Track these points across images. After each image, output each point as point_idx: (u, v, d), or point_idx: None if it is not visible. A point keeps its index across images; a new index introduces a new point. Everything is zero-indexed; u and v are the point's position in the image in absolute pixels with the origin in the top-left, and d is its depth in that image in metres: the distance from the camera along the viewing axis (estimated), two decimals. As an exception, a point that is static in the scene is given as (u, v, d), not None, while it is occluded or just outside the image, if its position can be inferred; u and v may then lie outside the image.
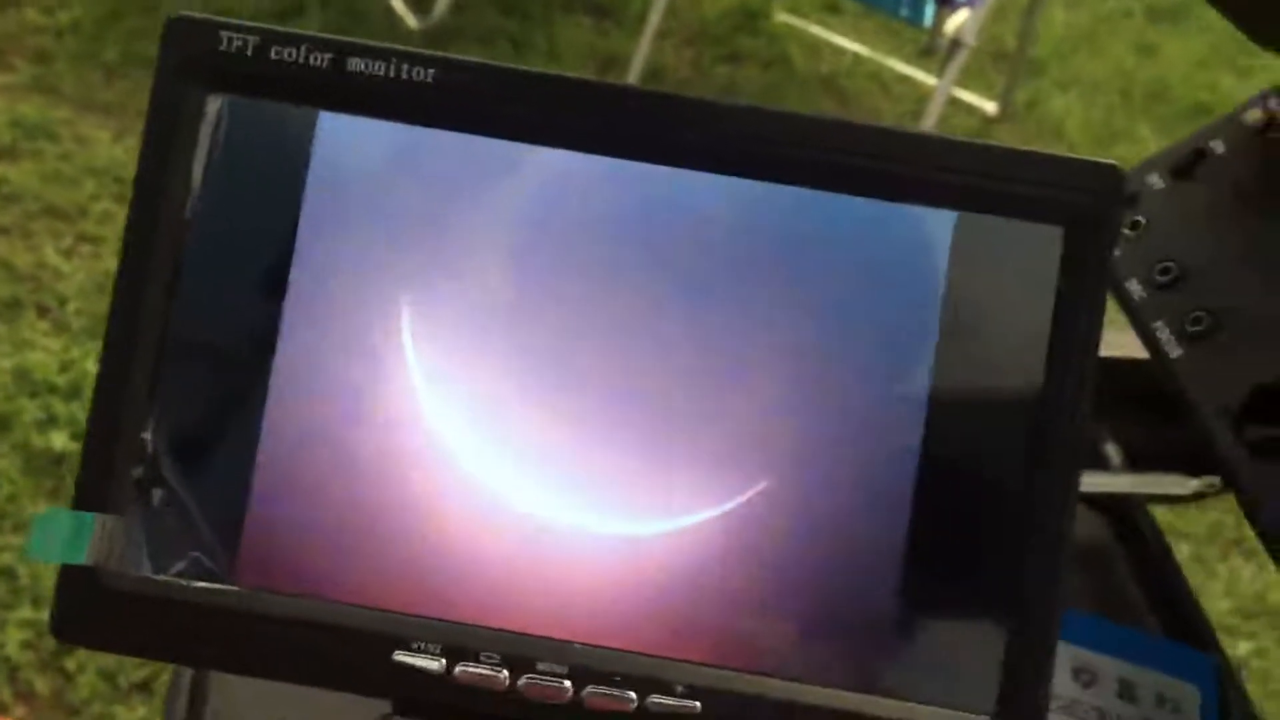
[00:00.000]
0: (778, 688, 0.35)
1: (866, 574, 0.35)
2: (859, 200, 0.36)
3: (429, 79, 0.35)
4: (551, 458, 0.35)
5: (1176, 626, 0.57)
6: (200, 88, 0.35)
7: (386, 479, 0.35)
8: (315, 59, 0.35)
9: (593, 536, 0.35)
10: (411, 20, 2.30)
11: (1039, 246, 0.35)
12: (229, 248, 0.36)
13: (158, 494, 0.35)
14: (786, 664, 0.35)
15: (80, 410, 1.53)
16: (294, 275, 0.36)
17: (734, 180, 0.36)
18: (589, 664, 0.35)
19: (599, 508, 0.35)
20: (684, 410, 0.35)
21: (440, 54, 0.35)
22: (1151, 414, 0.45)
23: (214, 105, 0.35)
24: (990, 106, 2.50)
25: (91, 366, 1.57)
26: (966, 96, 2.47)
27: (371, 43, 0.35)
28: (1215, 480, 0.54)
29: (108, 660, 1.30)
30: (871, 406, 0.35)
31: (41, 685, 1.29)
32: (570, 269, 0.36)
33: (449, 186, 0.36)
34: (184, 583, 0.35)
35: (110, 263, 1.72)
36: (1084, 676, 0.51)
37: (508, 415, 0.35)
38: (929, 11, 2.07)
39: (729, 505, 0.35)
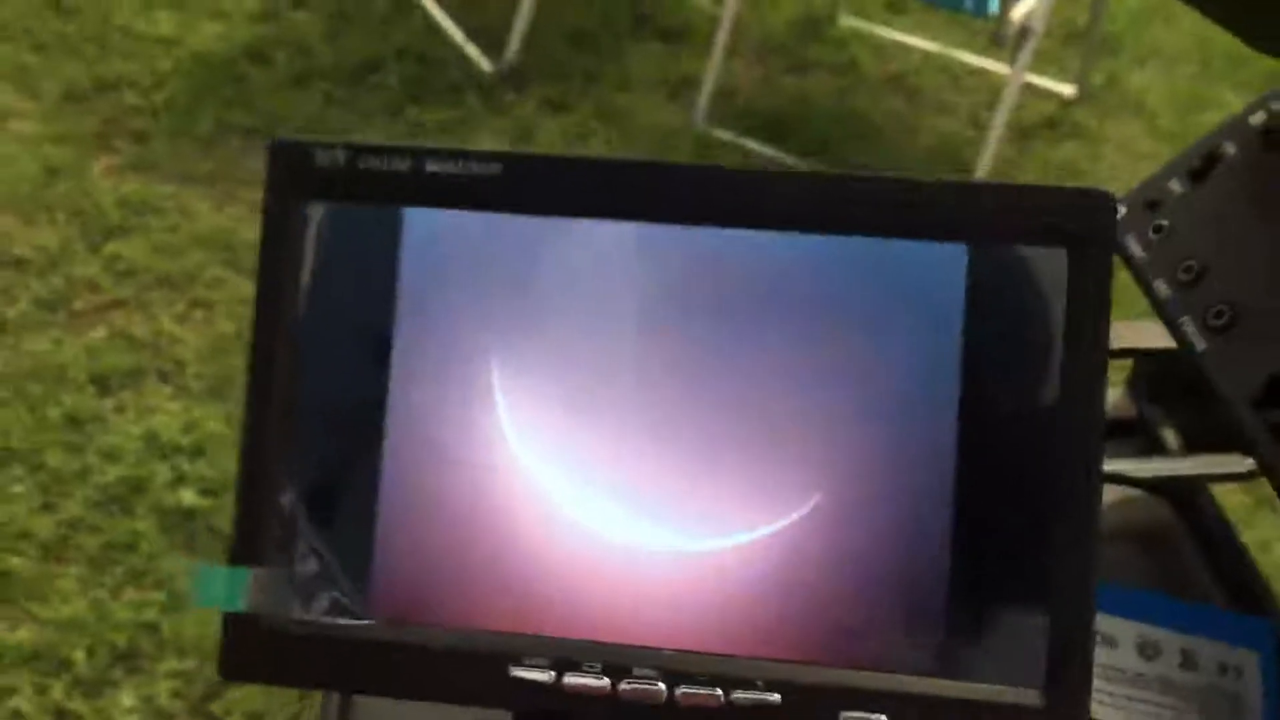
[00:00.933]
0: (845, 677, 0.39)
1: (915, 570, 0.40)
2: (881, 241, 0.40)
3: (498, 171, 0.41)
4: (632, 492, 0.41)
5: (1243, 601, 0.60)
6: (302, 199, 0.41)
7: (490, 520, 0.41)
8: (398, 164, 0.41)
9: (672, 554, 0.40)
10: (485, 63, 2.35)
11: (1046, 268, 0.39)
12: (340, 333, 0.41)
13: (298, 547, 0.41)
14: (852, 655, 0.40)
15: (206, 467, 1.60)
16: (396, 350, 0.41)
17: (772, 234, 0.40)
18: (679, 667, 0.40)
19: (680, 530, 0.40)
20: (742, 440, 0.40)
21: (505, 151, 0.41)
22: (1203, 399, 0.48)
23: (316, 212, 0.41)
24: (1068, 89, 2.49)
25: (213, 426, 1.64)
26: (1042, 82, 2.46)
27: (445, 146, 0.41)
28: None
29: (254, 704, 1.36)
30: (908, 423, 0.40)
31: (192, 731, 1.34)
32: (632, 322, 0.41)
33: (522, 261, 0.41)
34: (327, 620, 0.40)
35: (223, 325, 1.80)
36: (1148, 650, 0.54)
37: (591, 458, 0.41)
38: (994, 1, 2.07)
39: (789, 519, 0.40)
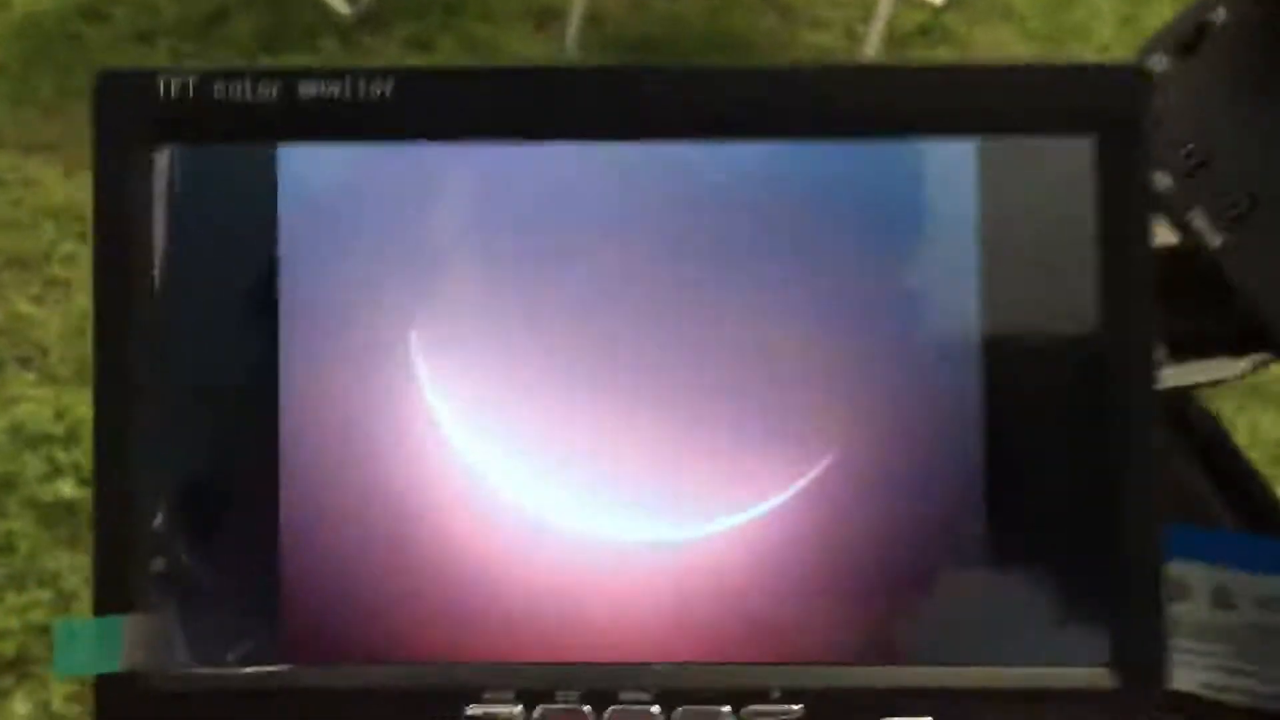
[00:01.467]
0: (881, 675, 0.33)
1: (950, 537, 0.33)
2: (874, 144, 0.33)
3: (387, 93, 0.33)
4: (598, 471, 0.33)
5: (1246, 507, 0.55)
6: (145, 143, 0.33)
7: (422, 521, 0.33)
8: (263, 91, 0.33)
9: (654, 546, 0.33)
10: (343, 7, 2.25)
11: (1071, 162, 0.33)
12: (207, 308, 0.33)
13: (182, 582, 0.33)
14: (885, 648, 0.33)
15: (82, 455, 1.52)
16: (283, 325, 0.33)
17: (738, 145, 0.33)
18: (675, 684, 0.33)
19: (656, 514, 0.33)
20: (729, 395, 0.33)
21: (394, 66, 0.33)
22: (1186, 302, 0.43)
23: (163, 159, 0.33)
24: (937, -4, 2.47)
25: (85, 411, 1.56)
26: (912, -10, 2.44)
27: (321, 67, 0.32)
28: (1265, 356, 0.52)
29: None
30: (923, 356, 0.33)
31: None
32: (580, 266, 0.33)
33: (429, 200, 0.33)
34: (229, 671, 0.33)
35: (84, 303, 1.71)
36: (1175, 591, 0.49)
37: (542, 432, 0.33)
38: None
39: (796, 486, 0.33)
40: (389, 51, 2.20)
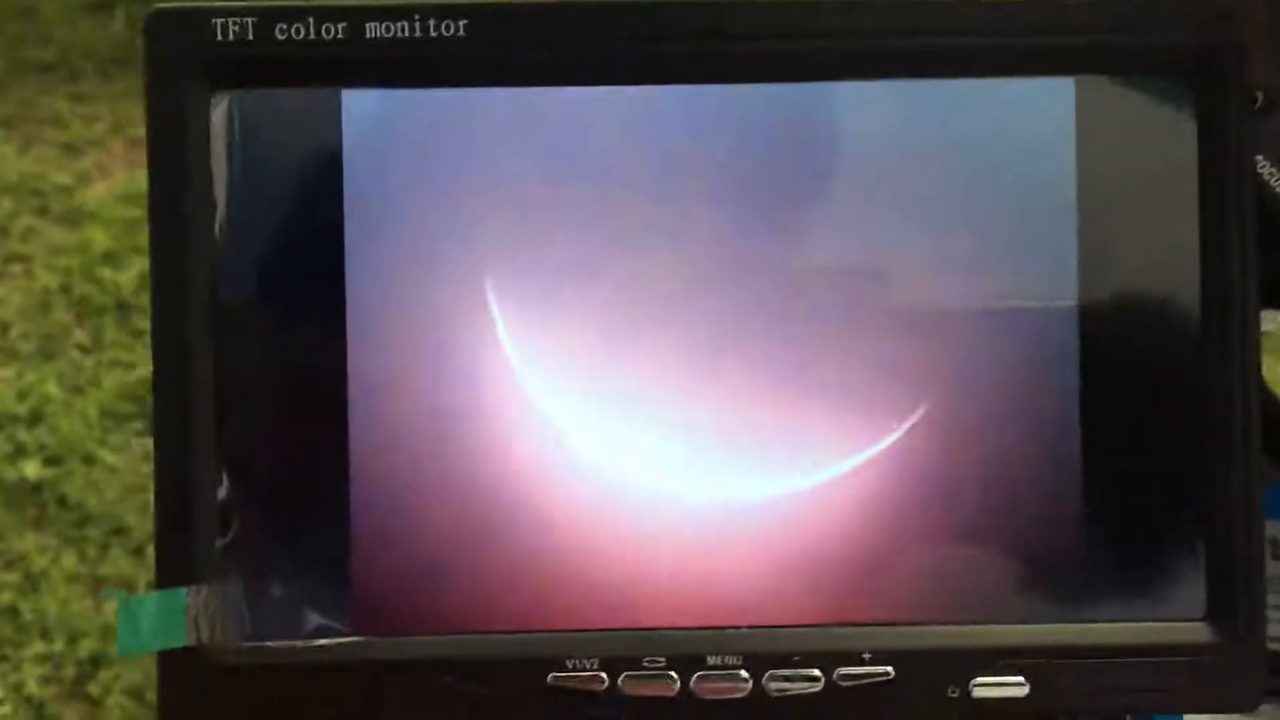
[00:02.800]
0: (975, 634, 0.32)
1: (1045, 490, 0.32)
2: (967, 83, 0.32)
3: (461, 32, 0.31)
4: (685, 427, 0.32)
5: None
6: (201, 87, 0.31)
7: (499, 485, 0.32)
8: (327, 31, 0.31)
9: (742, 504, 0.32)
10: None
11: (1170, 102, 0.32)
12: (270, 265, 0.32)
13: (248, 554, 0.31)
14: (979, 606, 0.32)
15: (46, 434, 1.49)
16: (349, 280, 0.32)
17: (830, 86, 0.32)
18: (763, 648, 0.31)
19: (744, 470, 0.32)
20: (820, 346, 0.32)
21: (466, 2, 0.31)
22: None
23: (220, 105, 0.31)
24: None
25: (49, 389, 1.53)
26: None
27: (389, 3, 0.31)
28: None
29: (134, 677, 1.28)
30: (1020, 306, 0.32)
31: (71, 715, 1.27)
32: (671, 212, 0.32)
33: (502, 145, 0.32)
34: (298, 644, 0.31)
35: (44, 279, 1.67)
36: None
37: (624, 388, 0.32)
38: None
39: (890, 439, 0.32)
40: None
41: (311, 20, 0.31)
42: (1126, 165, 0.32)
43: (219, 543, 0.31)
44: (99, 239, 1.70)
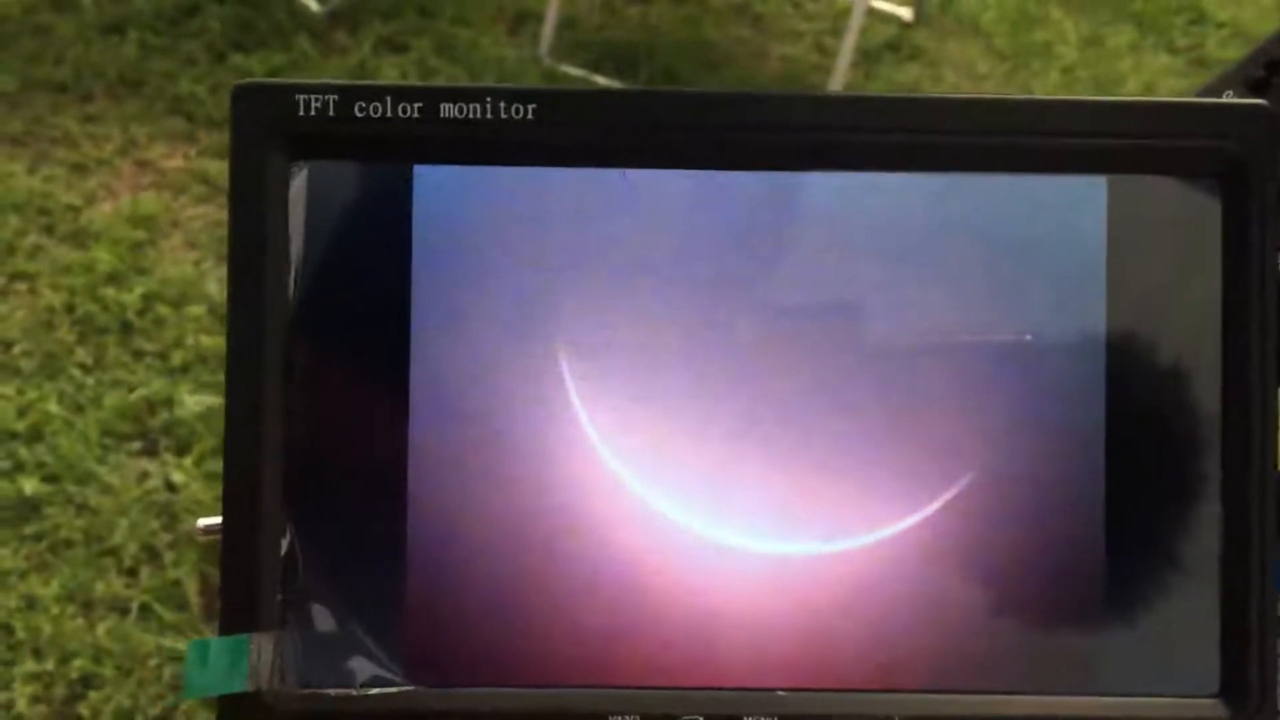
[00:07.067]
0: (997, 704, 0.33)
1: (1068, 567, 0.34)
2: (1006, 178, 0.33)
3: (530, 115, 0.32)
4: (741, 490, 0.34)
5: None
6: (283, 157, 0.32)
7: (552, 542, 0.33)
8: (403, 110, 0.32)
9: (784, 564, 0.34)
10: (314, 4, 2.22)
11: (1198, 201, 0.33)
12: (339, 329, 0.33)
13: (308, 603, 0.32)
14: (1006, 677, 0.33)
15: (45, 452, 1.50)
16: (415, 347, 0.33)
17: (876, 175, 0.33)
18: (798, 710, 0.33)
19: (788, 532, 0.34)
20: (871, 416, 0.34)
21: (540, 88, 0.33)
22: None
23: (300, 175, 0.32)
24: (905, 12, 2.48)
25: (50, 407, 1.54)
26: (883, 6, 2.45)
27: (462, 85, 0.32)
28: None
29: (122, 702, 1.28)
30: (1052, 382, 0.34)
31: (58, 737, 1.25)
32: (728, 289, 0.33)
33: (567, 223, 0.33)
34: (353, 692, 0.32)
35: (49, 298, 1.68)
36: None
37: (684, 452, 0.33)
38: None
39: (935, 505, 0.34)
40: (362, 50, 2.18)
41: (389, 99, 0.32)
42: (1155, 260, 0.34)
43: (281, 593, 0.32)
44: (104, 259, 1.71)
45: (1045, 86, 2.34)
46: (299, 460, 0.33)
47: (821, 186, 0.34)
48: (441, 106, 0.32)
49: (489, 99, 0.32)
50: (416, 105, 0.32)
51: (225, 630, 0.32)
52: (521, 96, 0.32)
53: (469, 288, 0.33)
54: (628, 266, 0.33)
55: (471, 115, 0.32)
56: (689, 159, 0.33)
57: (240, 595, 0.32)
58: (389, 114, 0.32)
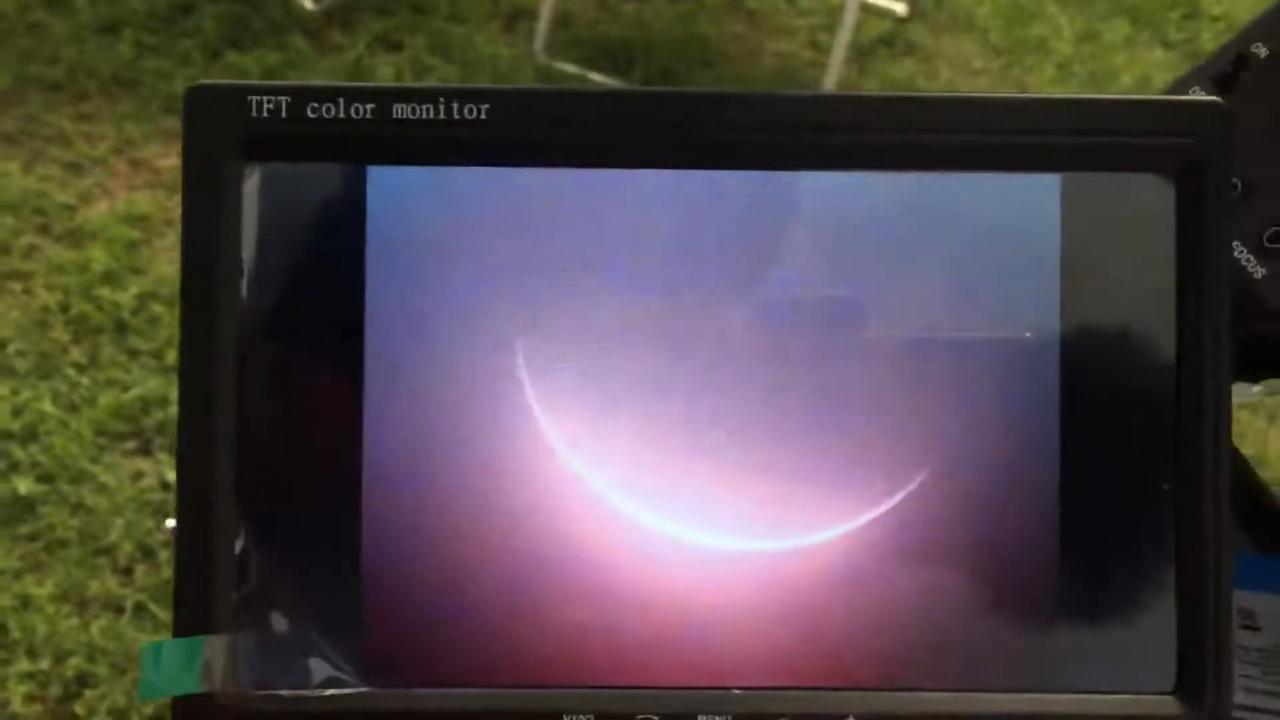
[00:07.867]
0: (953, 701, 0.33)
1: (1022, 565, 0.34)
2: (960, 176, 0.34)
3: (483, 115, 0.32)
4: (694, 488, 0.34)
5: (1265, 528, 0.56)
6: (236, 159, 0.32)
7: (510, 543, 0.33)
8: (356, 111, 0.32)
9: (738, 562, 0.34)
10: (308, 2, 2.22)
11: (1153, 197, 0.33)
12: (292, 328, 0.33)
13: (263, 604, 0.32)
14: (962, 673, 0.34)
15: (40, 452, 1.50)
16: (369, 348, 0.33)
17: (827, 175, 0.33)
18: (753, 709, 0.33)
19: (742, 530, 0.34)
20: (826, 413, 0.34)
21: (489, 88, 0.33)
22: None
23: (253, 176, 0.32)
24: (900, 7, 2.48)
25: (44, 406, 1.54)
26: (877, 1, 2.45)
27: (415, 85, 0.32)
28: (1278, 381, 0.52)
29: (117, 701, 1.29)
30: (1006, 380, 0.34)
31: (54, 736, 1.26)
32: (677, 289, 0.34)
33: (520, 223, 0.33)
34: (308, 693, 0.32)
35: (43, 297, 1.68)
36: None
37: (637, 448, 0.33)
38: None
39: (890, 503, 0.34)
40: (357, 48, 2.18)
41: (342, 100, 0.33)
42: (1110, 257, 0.34)
43: (235, 595, 0.32)
44: (99, 258, 1.71)
45: (1040, 81, 2.34)
46: (254, 462, 0.33)
47: (770, 186, 0.34)
48: (394, 107, 0.32)
49: (442, 99, 0.32)
50: (369, 106, 0.32)
51: (179, 631, 0.32)
52: (474, 96, 0.32)
53: (424, 289, 0.33)
54: (584, 266, 0.33)
55: (424, 116, 0.32)
56: (643, 158, 0.33)
57: (194, 595, 0.32)
58: (342, 115, 0.32)
